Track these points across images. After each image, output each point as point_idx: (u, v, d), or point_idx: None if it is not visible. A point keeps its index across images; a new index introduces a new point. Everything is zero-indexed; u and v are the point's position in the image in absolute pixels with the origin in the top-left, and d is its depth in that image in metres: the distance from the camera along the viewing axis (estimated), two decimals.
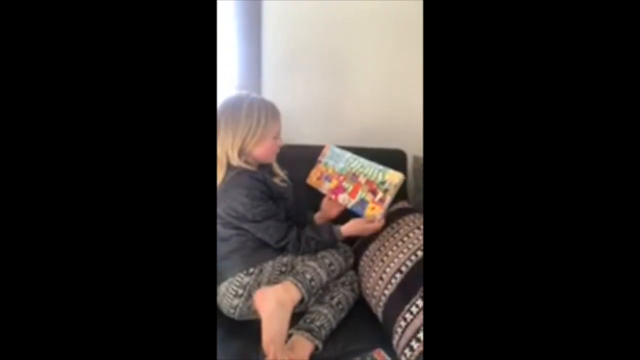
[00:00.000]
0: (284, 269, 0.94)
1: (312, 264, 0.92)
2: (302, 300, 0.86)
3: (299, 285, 0.86)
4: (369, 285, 0.99)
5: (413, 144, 1.33)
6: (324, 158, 1.17)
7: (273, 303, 0.81)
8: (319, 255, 0.96)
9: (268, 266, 0.93)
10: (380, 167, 1.04)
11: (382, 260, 0.98)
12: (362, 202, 1.02)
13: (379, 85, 1.37)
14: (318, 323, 0.87)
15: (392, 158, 1.28)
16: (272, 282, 0.90)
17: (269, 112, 0.95)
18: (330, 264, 0.95)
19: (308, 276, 0.89)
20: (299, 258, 0.96)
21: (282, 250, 0.96)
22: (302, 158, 1.18)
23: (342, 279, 1.00)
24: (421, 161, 1.24)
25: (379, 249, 1.02)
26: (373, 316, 0.96)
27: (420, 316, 0.79)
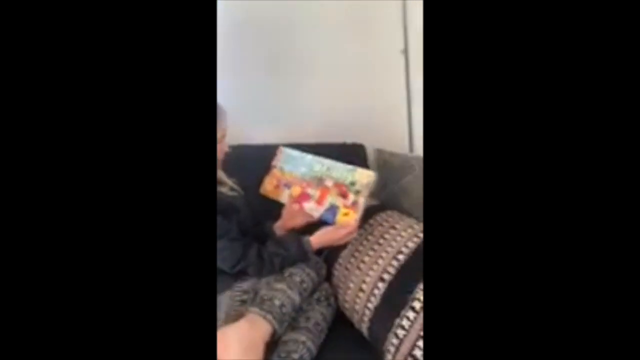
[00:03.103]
0: (245, 297, 0.78)
1: (279, 286, 0.77)
2: (274, 333, 0.71)
3: (268, 316, 0.70)
4: (347, 298, 0.87)
5: (372, 137, 1.25)
6: (278, 163, 1.02)
7: (237, 348, 0.64)
8: (286, 274, 0.81)
9: (225, 298, 0.76)
10: (349, 166, 0.92)
11: (359, 268, 0.87)
12: (332, 208, 0.89)
13: (333, 78, 1.26)
14: (297, 356, 0.72)
15: (351, 153, 1.18)
16: (232, 316, 0.74)
17: None
18: (302, 282, 0.81)
19: (277, 302, 0.74)
20: (263, 280, 0.81)
21: (240, 275, 0.80)
22: (253, 160, 1.02)
23: (316, 294, 0.86)
24: (385, 155, 1.14)
25: (353, 256, 0.91)
26: (356, 332, 0.85)
27: (414, 331, 0.68)
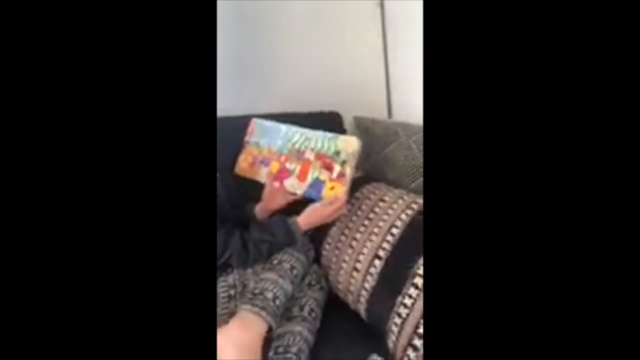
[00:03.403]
0: (232, 292, 0.70)
1: (269, 275, 0.70)
2: (269, 329, 0.65)
3: (262, 312, 0.63)
4: (340, 279, 0.82)
5: (345, 103, 1.16)
6: (251, 137, 0.91)
7: (233, 352, 0.58)
8: (274, 261, 0.74)
9: None
10: (330, 134, 0.84)
11: (351, 247, 0.81)
12: (317, 183, 0.81)
13: (303, 35, 1.14)
14: (295, 349, 0.67)
15: (325, 122, 1.10)
16: (221, 315, 0.66)
17: None
18: (292, 268, 0.74)
19: (270, 295, 0.67)
20: (250, 271, 0.73)
21: (224, 268, 0.71)
22: (222, 136, 0.90)
23: (307, 278, 0.81)
24: (365, 122, 1.07)
25: (342, 233, 0.85)
26: (350, 312, 0.81)
27: (418, 309, 0.65)
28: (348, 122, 1.18)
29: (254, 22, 1.09)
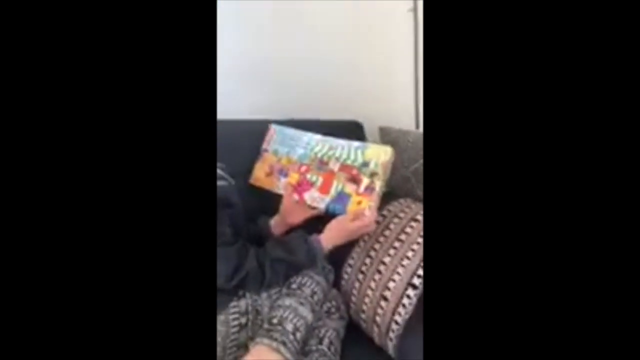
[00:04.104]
0: (244, 320, 0.60)
1: (289, 302, 0.60)
2: None
3: (282, 348, 0.53)
4: (364, 308, 0.72)
5: (372, 114, 1.09)
6: (270, 145, 0.83)
7: None
8: (293, 285, 0.64)
9: (219, 324, 0.58)
10: (356, 143, 0.76)
11: (379, 271, 0.71)
12: (342, 197, 0.72)
13: (330, 42, 1.07)
14: None
15: (344, 132, 1.01)
16: (230, 348, 0.56)
17: None
18: (313, 294, 0.64)
19: (290, 327, 0.56)
20: (264, 295, 0.63)
21: (235, 291, 0.62)
22: (238, 140, 0.82)
23: (326, 305, 0.70)
24: (392, 133, 0.98)
25: (368, 255, 0.75)
26: (374, 348, 0.71)
27: None
28: (370, 133, 1.10)
29: (276, 24, 1.03)
